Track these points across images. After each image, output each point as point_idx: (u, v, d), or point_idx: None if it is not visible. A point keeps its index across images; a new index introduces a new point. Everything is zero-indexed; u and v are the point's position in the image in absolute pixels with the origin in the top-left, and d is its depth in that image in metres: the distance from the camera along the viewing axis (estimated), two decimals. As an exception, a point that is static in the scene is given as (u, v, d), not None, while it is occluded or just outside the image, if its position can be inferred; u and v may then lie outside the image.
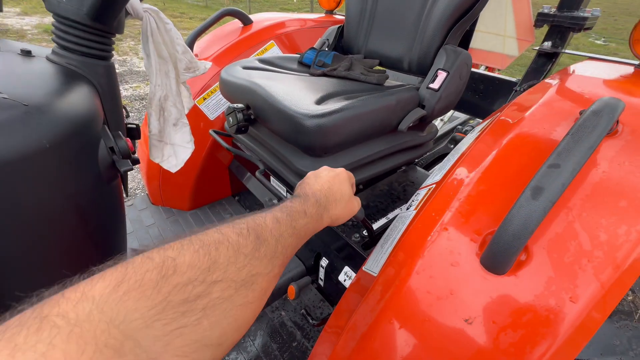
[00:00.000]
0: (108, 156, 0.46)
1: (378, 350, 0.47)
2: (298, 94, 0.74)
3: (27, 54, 0.47)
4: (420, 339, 0.44)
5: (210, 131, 0.97)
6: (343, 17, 1.55)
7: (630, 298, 0.49)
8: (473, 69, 1.28)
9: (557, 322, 0.37)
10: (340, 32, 1.15)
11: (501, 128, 0.61)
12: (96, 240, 0.48)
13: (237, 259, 0.30)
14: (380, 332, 0.47)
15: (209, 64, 0.73)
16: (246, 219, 0.35)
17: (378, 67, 1.08)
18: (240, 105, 0.76)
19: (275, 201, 1.08)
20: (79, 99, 0.44)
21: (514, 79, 1.13)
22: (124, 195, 0.67)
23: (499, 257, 0.41)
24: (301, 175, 0.74)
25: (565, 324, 0.37)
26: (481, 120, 1.54)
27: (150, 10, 0.56)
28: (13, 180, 0.33)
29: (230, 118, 0.76)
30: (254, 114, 0.78)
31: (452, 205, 0.51)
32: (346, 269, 0.85)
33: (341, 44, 1.16)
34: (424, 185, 0.68)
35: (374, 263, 0.62)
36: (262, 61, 0.99)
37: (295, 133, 0.67)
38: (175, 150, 0.70)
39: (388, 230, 0.67)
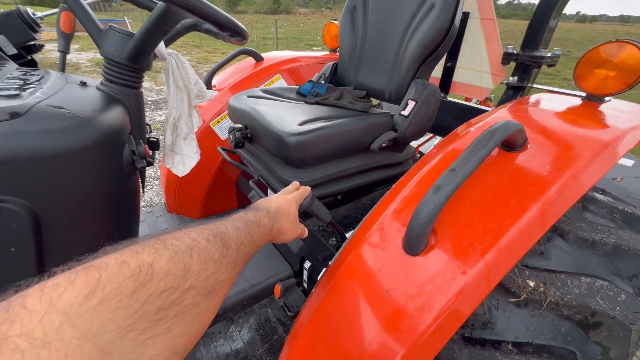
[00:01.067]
0: (130, 156, 0.63)
1: (327, 315, 0.58)
2: (286, 117, 0.91)
3: (83, 84, 0.66)
4: (354, 305, 0.54)
5: (218, 147, 1.15)
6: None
7: (541, 289, 0.57)
8: (455, 100, 1.41)
9: (449, 290, 0.47)
10: (335, 68, 1.33)
11: (446, 143, 0.73)
12: (118, 215, 0.64)
13: (207, 266, 0.30)
14: (328, 302, 0.58)
15: (214, 93, 0.92)
16: (209, 226, 0.35)
17: (370, 99, 1.24)
18: (239, 125, 0.93)
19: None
20: (114, 116, 0.62)
21: (488, 108, 1.25)
22: (141, 191, 0.84)
23: (412, 241, 0.52)
24: (284, 183, 0.88)
25: (454, 290, 0.47)
26: None
27: (172, 54, 0.76)
28: (66, 166, 0.50)
29: (230, 136, 0.93)
30: (250, 133, 0.95)
31: (392, 205, 0.63)
32: (325, 270, 0.96)
33: (336, 78, 1.34)
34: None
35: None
36: (265, 91, 1.18)
37: (279, 148, 0.82)
38: (184, 159, 0.87)
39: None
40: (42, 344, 0.17)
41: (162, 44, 0.74)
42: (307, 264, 1.01)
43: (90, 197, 0.55)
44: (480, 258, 0.48)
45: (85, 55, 7.97)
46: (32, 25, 0.82)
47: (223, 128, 1.41)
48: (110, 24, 0.68)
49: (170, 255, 0.27)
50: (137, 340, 0.22)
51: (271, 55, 1.59)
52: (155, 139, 0.87)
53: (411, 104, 0.98)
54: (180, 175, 0.87)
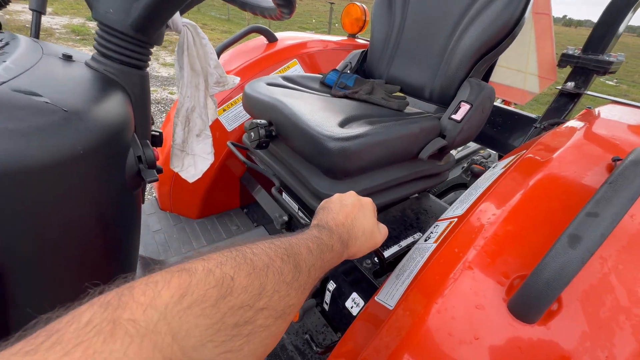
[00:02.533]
0: (135, 165, 0.46)
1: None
2: (321, 115, 0.75)
3: (68, 58, 0.48)
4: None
5: (228, 143, 0.98)
6: (365, 42, 1.59)
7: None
8: (495, 103, 1.28)
9: (592, 383, 0.35)
10: (364, 57, 1.17)
11: (528, 167, 0.60)
12: (113, 247, 0.47)
13: (280, 287, 0.29)
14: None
15: (237, 79, 0.75)
16: (283, 243, 0.34)
17: (398, 93, 1.09)
18: (263, 121, 0.76)
19: (285, 217, 1.07)
20: (114, 107, 0.44)
21: (533, 115, 1.13)
22: (142, 201, 0.66)
23: (529, 305, 0.39)
24: (318, 195, 0.73)
25: (601, 385, 0.34)
26: (493, 151, 1.54)
27: (189, 25, 0.58)
28: (43, 187, 0.33)
29: (252, 133, 0.76)
30: (276, 131, 0.78)
31: (477, 243, 0.49)
32: (354, 295, 0.82)
33: (363, 68, 1.18)
34: (444, 217, 0.67)
35: (389, 295, 0.60)
36: (285, 79, 1.00)
37: (317, 154, 0.66)
38: (195, 161, 0.70)
39: (404, 261, 0.65)
40: (144, 333, 0.19)
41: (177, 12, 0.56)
42: (331, 285, 0.87)
43: (76, 228, 0.38)
44: (631, 338, 0.36)
45: (59, 20, 7.27)
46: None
47: (230, 118, 1.23)
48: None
49: (248, 271, 0.27)
50: (213, 352, 0.23)
51: (286, 36, 1.40)
52: (157, 133, 0.69)
53: (464, 107, 0.84)
54: (191, 180, 0.70)
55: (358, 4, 1.50)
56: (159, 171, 0.53)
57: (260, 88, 0.88)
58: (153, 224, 1.27)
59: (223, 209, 1.41)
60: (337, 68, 1.16)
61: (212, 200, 1.35)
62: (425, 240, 0.64)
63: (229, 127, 1.23)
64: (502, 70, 1.20)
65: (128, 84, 0.51)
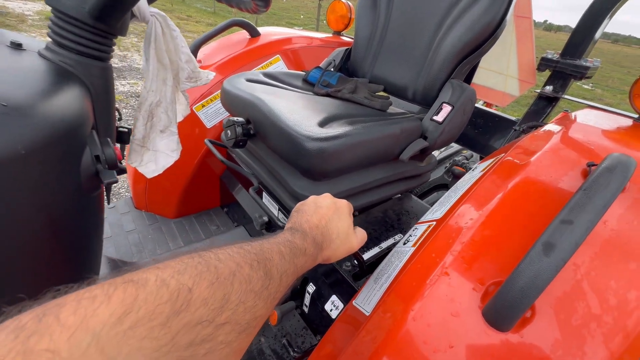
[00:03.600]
0: (92, 165, 0.42)
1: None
2: (301, 113, 0.72)
3: (17, 46, 0.43)
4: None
5: (206, 140, 0.94)
6: (350, 40, 1.57)
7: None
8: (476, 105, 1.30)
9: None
10: (348, 55, 1.15)
11: (506, 170, 0.60)
12: (70, 254, 0.44)
13: (246, 298, 0.26)
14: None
15: (212, 74, 0.71)
16: (254, 248, 0.31)
17: (382, 93, 1.08)
18: (240, 119, 0.73)
19: (265, 218, 1.04)
20: (67, 102, 0.41)
21: (513, 118, 1.14)
22: (106, 204, 0.63)
23: (503, 313, 0.38)
24: (296, 197, 0.71)
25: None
26: (474, 153, 1.55)
27: (158, 15, 0.54)
28: None
29: (228, 131, 0.73)
30: (254, 129, 0.75)
31: (454, 248, 0.49)
32: (334, 297, 0.81)
33: (347, 66, 1.16)
34: (423, 219, 0.66)
35: (366, 299, 0.59)
36: (266, 75, 0.97)
37: (295, 154, 0.64)
38: (157, 157, 0.66)
39: (382, 264, 0.64)
40: None
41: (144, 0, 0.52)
42: (310, 288, 0.86)
43: (23, 232, 0.35)
44: (602, 345, 0.36)
45: (32, 5, 6.89)
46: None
47: (209, 114, 1.18)
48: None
49: (211, 280, 0.24)
50: None
51: (269, 31, 1.36)
52: (125, 129, 0.65)
53: (446, 108, 0.83)
54: (149, 176, 0.66)
55: (344, 1, 1.48)
56: (122, 171, 0.49)
57: (240, 84, 0.85)
58: (127, 223, 1.22)
59: (202, 208, 1.36)
60: (320, 65, 1.14)
61: (191, 199, 1.31)
62: (404, 244, 0.63)
63: (209, 124, 1.18)
64: (484, 72, 1.21)
65: (87, 76, 0.47)
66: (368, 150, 0.71)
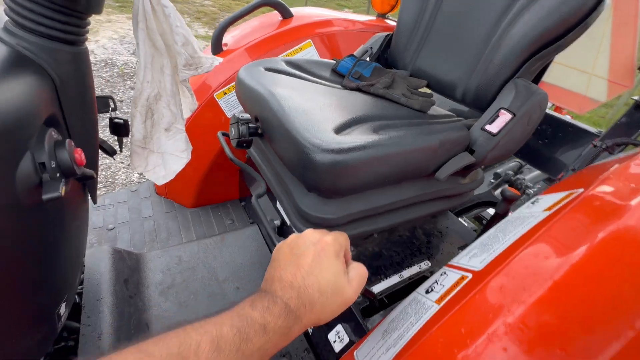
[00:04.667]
0: (33, 175, 0.35)
1: None
2: (317, 114, 0.60)
3: None
4: None
5: (219, 133, 0.86)
6: (395, 24, 1.38)
7: None
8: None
9: None
10: (388, 42, 0.98)
11: (593, 212, 0.43)
12: (16, 276, 0.38)
13: None
14: None
15: (217, 60, 0.61)
16: (172, 345, 0.24)
17: (425, 89, 0.91)
18: (246, 116, 0.63)
19: (277, 222, 0.95)
20: (8, 94, 0.33)
21: (594, 130, 0.90)
22: (93, 202, 0.57)
23: None
24: (302, 215, 0.60)
25: None
26: (530, 166, 1.29)
27: (145, -11, 0.45)
28: None
29: (232, 129, 0.64)
30: (262, 129, 0.65)
31: (495, 330, 0.35)
32: (339, 327, 0.70)
33: (386, 56, 1.00)
34: (456, 263, 0.51)
35: (369, 356, 0.47)
36: (289, 63, 0.85)
37: (301, 166, 0.53)
38: (165, 160, 0.59)
39: (396, 313, 0.51)
40: None
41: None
42: None
43: None
44: None
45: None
46: None
47: (231, 102, 1.10)
48: None
49: None
50: None
51: (303, 13, 1.23)
52: (121, 121, 0.58)
53: (504, 116, 0.66)
54: (160, 182, 0.59)
55: (391, -22, 1.29)
56: (87, 177, 0.42)
57: (256, 74, 0.74)
58: (145, 209, 1.21)
59: (221, 199, 1.31)
60: (354, 53, 0.99)
61: (209, 189, 1.26)
62: (427, 292, 0.50)
63: (229, 112, 1.10)
64: (560, 68, 0.98)
65: (50, 63, 0.39)
66: (394, 167, 0.57)
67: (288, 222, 0.82)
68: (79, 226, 0.52)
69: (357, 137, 0.55)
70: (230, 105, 1.11)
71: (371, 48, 0.99)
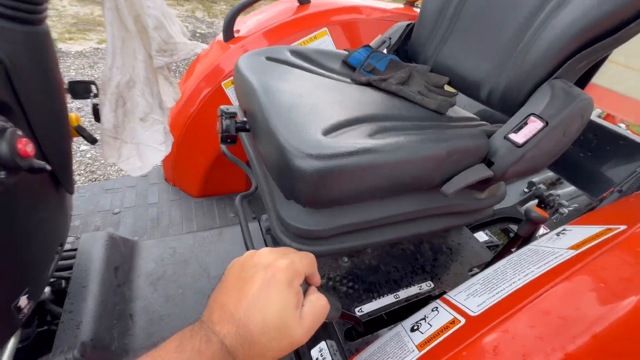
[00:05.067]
0: None
1: None
2: (309, 112, 0.53)
3: None
4: None
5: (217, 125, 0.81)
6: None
7: None
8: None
9: None
10: (409, 33, 0.88)
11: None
12: None
13: None
14: None
15: (199, 47, 0.56)
16: None
17: (448, 87, 0.80)
18: (231, 109, 0.58)
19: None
20: None
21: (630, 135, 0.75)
22: (68, 192, 0.54)
23: None
24: (282, 222, 0.54)
25: None
26: (569, 185, 1.10)
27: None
28: None
29: (217, 123, 0.58)
30: (250, 125, 0.59)
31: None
32: (322, 344, 0.64)
33: (406, 48, 0.89)
34: (452, 299, 0.43)
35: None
36: (294, 53, 0.78)
37: (278, 170, 0.46)
38: (141, 151, 0.55)
39: (375, 347, 0.44)
40: None
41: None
42: None
43: None
44: None
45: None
46: None
47: (238, 92, 1.06)
48: None
49: None
50: None
51: (321, 0, 1.14)
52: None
53: (533, 124, 0.55)
54: (134, 174, 0.56)
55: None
56: (37, 169, 0.38)
57: (255, 63, 0.69)
58: (151, 195, 1.21)
59: (226, 191, 1.29)
60: (370, 44, 0.90)
61: (216, 180, 1.24)
62: (412, 330, 0.42)
63: (236, 102, 1.06)
64: (615, 68, 0.82)
65: (4, 43, 0.36)
66: (388, 178, 0.49)
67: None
68: (47, 217, 0.50)
69: (347, 141, 0.47)
70: (238, 95, 1.06)
71: (390, 39, 0.90)
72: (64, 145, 0.50)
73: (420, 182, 0.53)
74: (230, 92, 1.06)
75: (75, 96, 0.56)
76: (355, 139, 0.48)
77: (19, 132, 0.37)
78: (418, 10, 1.25)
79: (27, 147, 0.37)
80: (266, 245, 1.02)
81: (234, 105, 0.62)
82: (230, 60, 1.04)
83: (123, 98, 0.49)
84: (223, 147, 0.74)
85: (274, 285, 0.30)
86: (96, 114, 0.56)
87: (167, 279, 0.85)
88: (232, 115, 0.58)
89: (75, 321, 0.65)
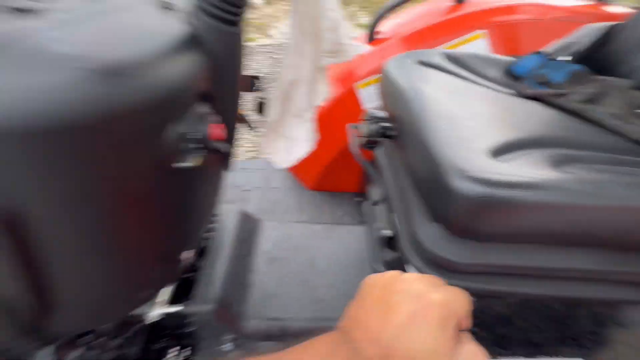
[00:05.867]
0: (175, 143, 0.38)
1: None
2: (471, 126, 0.46)
3: (166, 7, 0.42)
4: None
5: (348, 125, 0.82)
6: (620, 12, 0.97)
7: None
8: None
9: None
10: (604, 39, 0.69)
11: None
12: (152, 230, 0.44)
13: None
14: None
15: (360, 48, 0.55)
16: None
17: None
18: (379, 114, 0.55)
19: (387, 232, 0.86)
20: (176, 69, 0.37)
21: None
22: (226, 170, 0.63)
23: None
24: (417, 245, 0.49)
25: None
26: None
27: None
28: (63, 147, 0.29)
29: (363, 126, 0.57)
30: (397, 131, 0.56)
31: None
32: None
33: (599, 56, 0.70)
34: None
35: None
36: (450, 57, 0.71)
37: (433, 190, 0.42)
38: (290, 145, 0.59)
39: None
40: None
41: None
42: None
43: (101, 194, 0.34)
44: None
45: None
46: None
47: (371, 94, 1.05)
48: None
49: None
50: None
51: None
52: (263, 101, 0.61)
53: None
54: (280, 166, 0.61)
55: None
56: (222, 151, 0.45)
57: (405, 66, 0.65)
58: (274, 180, 1.34)
59: (340, 188, 1.32)
60: (544, 50, 0.74)
61: (332, 175, 1.28)
62: None
63: (367, 104, 1.05)
64: None
65: (213, 42, 0.42)
66: (578, 225, 0.38)
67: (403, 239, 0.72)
68: (211, 190, 0.58)
69: (526, 169, 0.39)
70: (371, 96, 1.05)
71: (574, 44, 0.72)
72: (234, 130, 0.57)
73: (616, 238, 0.40)
74: (364, 94, 1.05)
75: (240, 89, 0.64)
76: (534, 167, 0.39)
77: (216, 118, 0.43)
78: (612, 9, 0.99)
79: (220, 131, 0.42)
80: (372, 255, 0.99)
81: (372, 109, 0.60)
82: (368, 62, 1.04)
83: (288, 95, 0.54)
84: (354, 150, 0.74)
85: (424, 322, 0.26)
86: (260, 107, 0.62)
87: (280, 261, 0.92)
88: (379, 120, 0.56)
89: (210, 277, 0.76)
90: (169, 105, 0.36)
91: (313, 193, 1.31)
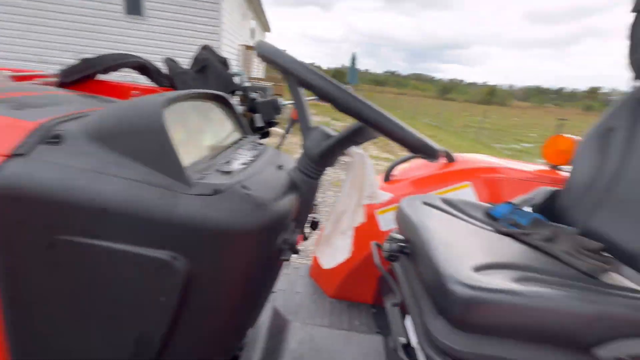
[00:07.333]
0: (280, 245, 0.63)
1: None
2: (460, 250, 0.71)
3: (280, 167, 0.75)
4: None
5: (372, 242, 1.07)
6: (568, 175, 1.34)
7: None
8: None
9: None
10: (553, 197, 1.00)
11: None
12: (250, 300, 0.65)
13: None
14: None
15: (387, 196, 0.86)
16: None
17: (605, 253, 0.83)
18: (399, 236, 0.81)
19: (402, 339, 0.98)
20: (286, 203, 0.65)
21: None
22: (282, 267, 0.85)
23: None
24: (429, 336, 0.66)
25: None
26: None
27: (359, 155, 0.77)
28: (228, 244, 0.54)
29: (387, 244, 0.82)
30: (410, 250, 0.80)
31: None
32: None
33: (551, 209, 1.00)
34: None
35: None
36: (445, 202, 1.02)
37: (434, 290, 0.63)
38: (334, 252, 0.83)
39: None
40: None
41: (353, 145, 0.75)
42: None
43: (233, 276, 0.57)
44: None
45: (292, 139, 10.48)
46: (278, 109, 1.08)
47: (387, 219, 1.33)
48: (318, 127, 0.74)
49: None
50: None
51: (466, 158, 1.42)
52: (316, 220, 0.88)
53: None
54: (325, 267, 0.83)
55: (568, 135, 1.32)
56: (294, 252, 0.69)
57: (414, 206, 0.95)
58: (298, 286, 1.49)
59: (356, 298, 1.45)
60: (513, 201, 1.05)
61: (350, 285, 1.44)
62: None
63: (383, 226, 1.33)
64: None
65: (303, 188, 0.73)
66: (533, 324, 0.57)
67: (413, 342, 0.86)
68: (274, 279, 0.80)
69: (498, 281, 0.61)
70: (386, 221, 1.33)
71: (532, 199, 1.03)
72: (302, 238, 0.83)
73: (566, 336, 0.58)
74: (381, 218, 1.34)
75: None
76: (501, 280, 0.61)
77: (300, 231, 0.69)
78: (563, 173, 1.36)
79: (301, 239, 0.68)
80: (389, 363, 1.06)
81: (394, 233, 0.86)
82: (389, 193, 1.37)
83: (339, 219, 0.82)
84: (377, 261, 0.97)
85: None
86: (314, 225, 0.89)
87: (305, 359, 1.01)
88: (400, 242, 0.81)
89: None
90: (282, 222, 0.63)
91: (332, 301, 1.44)
